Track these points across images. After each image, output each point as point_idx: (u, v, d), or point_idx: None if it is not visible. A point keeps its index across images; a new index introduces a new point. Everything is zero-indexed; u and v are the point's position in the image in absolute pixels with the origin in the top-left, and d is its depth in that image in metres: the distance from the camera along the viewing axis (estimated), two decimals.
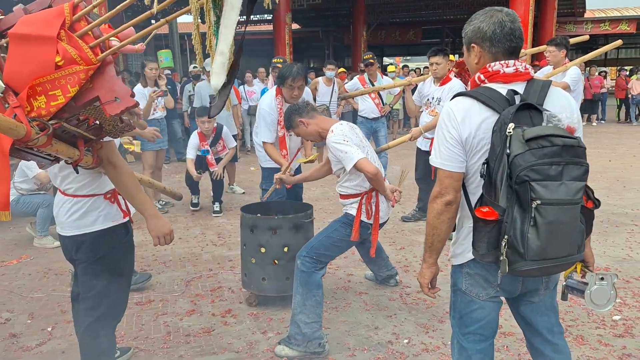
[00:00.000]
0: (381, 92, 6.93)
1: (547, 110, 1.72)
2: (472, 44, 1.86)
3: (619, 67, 18.35)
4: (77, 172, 2.23)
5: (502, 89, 1.78)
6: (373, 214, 3.12)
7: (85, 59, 1.82)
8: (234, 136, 7.11)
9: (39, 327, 3.42)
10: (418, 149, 5.43)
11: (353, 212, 3.14)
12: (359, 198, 3.12)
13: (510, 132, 1.65)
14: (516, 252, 1.66)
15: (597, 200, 1.78)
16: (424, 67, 17.47)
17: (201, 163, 6.21)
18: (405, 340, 3.13)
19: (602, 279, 1.90)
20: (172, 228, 2.41)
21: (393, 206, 3.19)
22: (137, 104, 1.88)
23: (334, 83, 7.82)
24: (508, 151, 1.64)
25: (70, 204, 2.35)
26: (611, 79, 18.72)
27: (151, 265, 4.49)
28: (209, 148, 6.18)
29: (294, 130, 3.33)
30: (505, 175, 1.65)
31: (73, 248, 2.39)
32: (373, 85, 6.96)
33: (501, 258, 1.69)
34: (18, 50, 1.81)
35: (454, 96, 1.88)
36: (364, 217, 3.10)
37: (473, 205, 1.85)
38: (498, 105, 1.74)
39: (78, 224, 2.34)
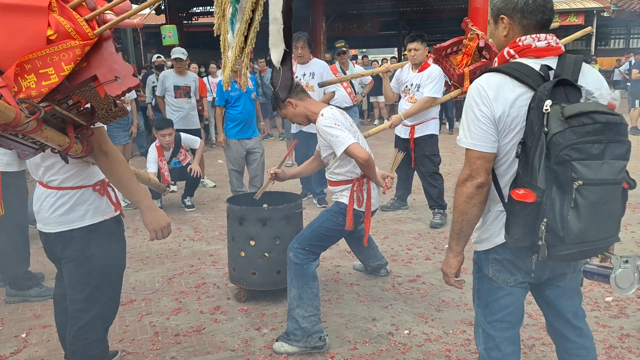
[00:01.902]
0: (353, 81, 6.84)
1: (583, 87, 1.65)
2: (502, 15, 1.77)
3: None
4: (67, 162, 2.02)
5: (535, 64, 1.70)
6: (365, 201, 3.02)
7: (81, 33, 1.62)
8: (197, 131, 6.85)
9: (12, 333, 3.16)
10: (397, 137, 5.35)
11: (344, 200, 3.03)
12: (350, 185, 3.02)
13: (548, 109, 1.57)
14: (556, 235, 1.59)
15: (633, 180, 1.73)
16: (382, 59, 17.41)
17: (179, 173, 5.94)
18: (406, 331, 3.05)
19: (626, 261, 1.85)
20: (170, 220, 2.23)
21: (384, 193, 3.09)
22: (140, 84, 1.70)
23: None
24: (546, 129, 1.57)
25: (54, 197, 2.14)
26: None
27: (127, 263, 4.22)
28: (177, 159, 5.90)
29: (281, 110, 3.17)
30: (544, 154, 1.57)
31: (59, 246, 2.17)
32: (345, 74, 6.86)
33: (540, 243, 1.62)
34: (3, 22, 1.59)
35: (482, 72, 1.78)
36: (355, 205, 3.00)
37: (502, 187, 1.77)
38: (532, 81, 1.66)
39: (64, 219, 2.13)
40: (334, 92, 5.88)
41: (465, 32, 4.66)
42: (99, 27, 1.68)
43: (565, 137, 1.54)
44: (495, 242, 1.83)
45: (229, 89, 5.20)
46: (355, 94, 7.00)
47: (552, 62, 1.72)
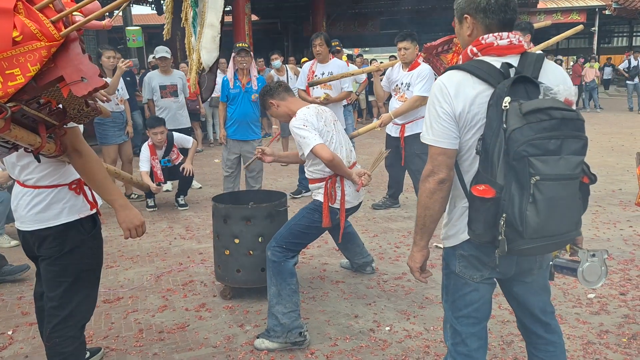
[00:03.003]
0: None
1: (543, 84, 1.67)
2: (465, 15, 1.79)
3: (577, 56, 18.88)
4: (39, 161, 2.05)
5: (496, 62, 1.72)
6: (338, 198, 3.04)
7: (46, 34, 1.64)
8: (188, 129, 6.85)
9: None
10: (388, 135, 5.37)
11: (319, 197, 3.07)
12: (324, 183, 3.05)
13: (507, 106, 1.59)
14: (515, 230, 1.61)
15: (593, 175, 1.75)
16: (372, 59, 17.27)
17: (169, 172, 5.97)
18: (387, 328, 3.08)
19: (593, 255, 1.87)
20: (144, 219, 2.26)
21: (358, 190, 3.11)
22: (106, 84, 1.73)
23: (286, 71, 7.75)
24: (505, 126, 1.58)
25: (30, 196, 2.16)
26: (566, 68, 19.26)
27: (117, 262, 4.29)
28: (169, 158, 5.91)
29: (267, 111, 3.25)
30: (503, 150, 1.59)
31: (35, 244, 2.20)
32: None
33: (500, 237, 1.64)
34: None
35: (445, 70, 1.81)
36: (329, 202, 3.03)
37: (467, 183, 1.79)
38: (493, 79, 1.68)
39: (40, 217, 2.15)
40: (350, 91, 5.90)
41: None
42: (66, 28, 1.71)
43: (523, 133, 1.55)
44: (461, 238, 1.85)
45: (232, 87, 5.25)
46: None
47: (514, 60, 1.74)
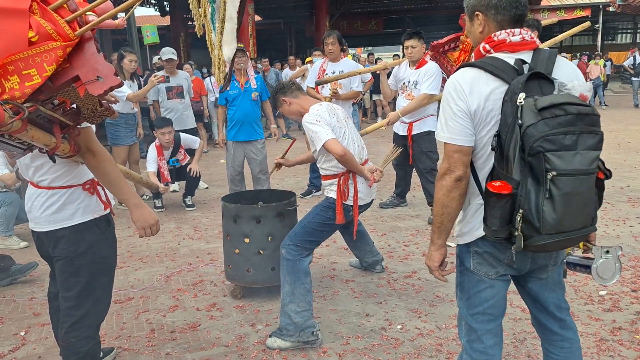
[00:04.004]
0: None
1: (557, 79, 1.67)
2: (476, 12, 1.79)
3: (580, 53, 18.82)
4: (54, 162, 2.06)
5: (509, 58, 1.72)
6: (351, 195, 3.05)
7: (62, 34, 1.65)
8: (193, 130, 6.86)
9: (11, 331, 3.21)
10: (395, 134, 5.37)
11: (332, 194, 3.08)
12: (337, 179, 3.05)
13: (522, 102, 1.59)
14: (531, 226, 1.61)
15: (608, 170, 1.74)
16: (377, 59, 17.22)
17: (176, 173, 5.97)
18: (399, 326, 3.07)
19: (607, 252, 1.87)
20: (158, 218, 2.27)
21: (370, 186, 3.12)
22: (122, 83, 1.73)
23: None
24: (520, 122, 1.58)
25: (45, 197, 2.17)
26: None
27: (127, 262, 4.30)
28: (176, 158, 5.91)
29: (278, 109, 3.26)
30: (518, 147, 1.59)
31: (50, 244, 2.21)
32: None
33: (516, 233, 1.64)
34: None
35: (458, 68, 1.80)
36: (343, 199, 3.03)
37: (481, 180, 1.79)
38: (507, 75, 1.68)
39: (55, 217, 2.16)
40: (360, 91, 5.90)
41: (463, 28, 4.66)
42: (80, 28, 1.72)
43: (538, 129, 1.55)
44: (475, 235, 1.84)
45: (228, 88, 5.23)
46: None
47: (527, 56, 1.73)
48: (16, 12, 1.62)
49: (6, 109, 1.60)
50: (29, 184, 2.26)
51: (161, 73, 6.67)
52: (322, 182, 3.20)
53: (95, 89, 1.69)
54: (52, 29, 1.64)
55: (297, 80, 7.95)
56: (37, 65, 1.64)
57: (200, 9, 1.71)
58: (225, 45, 1.58)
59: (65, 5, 1.72)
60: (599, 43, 23.14)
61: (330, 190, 3.09)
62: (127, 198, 2.19)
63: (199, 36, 1.76)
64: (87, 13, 1.76)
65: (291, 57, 13.29)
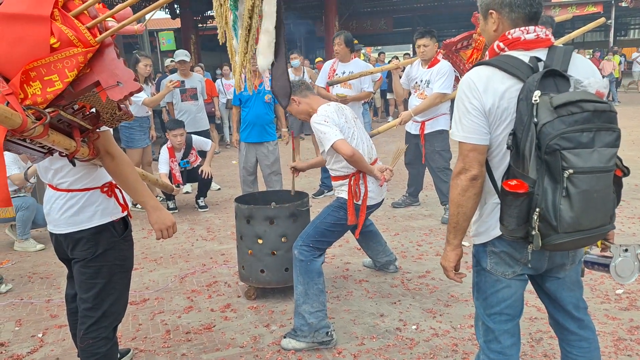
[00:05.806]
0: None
1: (573, 77, 1.66)
2: (490, 11, 1.79)
3: (593, 50, 18.65)
4: (74, 165, 2.09)
5: (524, 56, 1.72)
6: (362, 195, 3.06)
7: (83, 40, 1.69)
8: (206, 132, 6.87)
9: (29, 333, 3.25)
10: (407, 133, 5.36)
11: (343, 195, 3.09)
12: (348, 180, 3.06)
13: (537, 100, 1.59)
14: (549, 225, 1.60)
15: (626, 168, 1.73)
16: (393, 57, 17.23)
17: (188, 175, 6.01)
18: (414, 326, 3.08)
19: (626, 250, 1.86)
20: (175, 220, 2.29)
21: (381, 185, 3.12)
22: (142, 89, 1.76)
23: (303, 72, 7.79)
24: (535, 120, 1.58)
25: (64, 199, 2.20)
26: None
27: (142, 263, 4.34)
28: (188, 160, 5.95)
29: (287, 108, 3.26)
30: (534, 145, 1.59)
31: (69, 246, 2.24)
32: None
33: (533, 232, 1.63)
34: (7, 31, 1.66)
35: (472, 66, 1.81)
36: (354, 199, 3.04)
37: (497, 179, 1.79)
38: (521, 73, 1.68)
39: (74, 220, 2.19)
40: (370, 91, 5.91)
41: (476, 26, 4.65)
42: (100, 34, 1.74)
43: (555, 127, 1.55)
44: (492, 234, 1.84)
45: (242, 90, 5.27)
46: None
47: (542, 53, 1.73)
48: (38, 19, 1.65)
49: (28, 115, 1.63)
50: (48, 186, 2.30)
51: (176, 77, 6.73)
52: (333, 182, 3.21)
53: (116, 94, 1.72)
54: (73, 35, 1.67)
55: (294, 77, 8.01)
56: (58, 71, 1.67)
57: (222, 17, 1.74)
58: (261, 56, 1.62)
59: (85, 12, 1.75)
60: (611, 39, 22.91)
61: (341, 191, 3.10)
62: (145, 200, 2.21)
63: (220, 44, 1.79)
64: (107, 19, 1.79)
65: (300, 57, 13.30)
